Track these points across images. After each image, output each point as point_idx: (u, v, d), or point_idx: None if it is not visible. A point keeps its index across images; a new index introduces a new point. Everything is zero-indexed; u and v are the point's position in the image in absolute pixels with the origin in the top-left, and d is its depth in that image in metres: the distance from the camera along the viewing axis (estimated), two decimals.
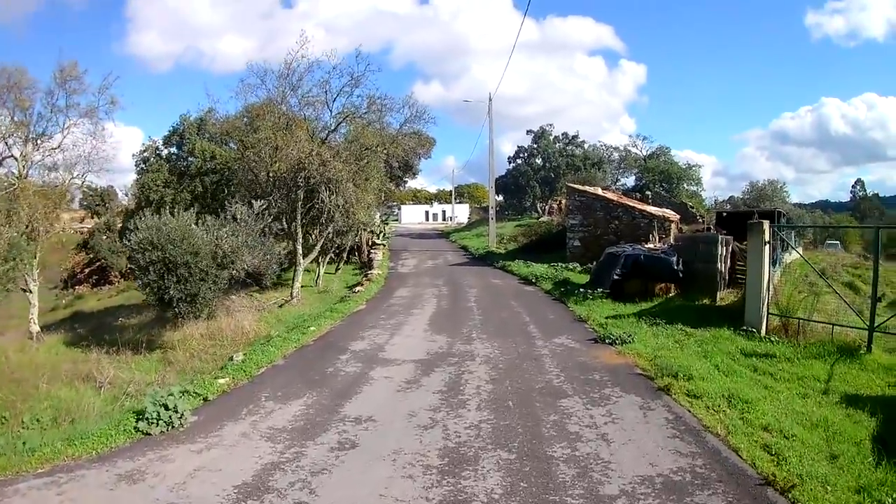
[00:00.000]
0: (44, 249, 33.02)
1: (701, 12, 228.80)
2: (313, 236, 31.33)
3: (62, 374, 17.95)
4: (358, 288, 28.95)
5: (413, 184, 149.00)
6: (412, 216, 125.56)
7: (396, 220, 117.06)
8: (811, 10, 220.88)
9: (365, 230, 42.13)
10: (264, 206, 24.65)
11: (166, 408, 9.80)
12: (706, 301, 19.40)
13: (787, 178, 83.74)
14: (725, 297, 20.34)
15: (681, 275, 21.13)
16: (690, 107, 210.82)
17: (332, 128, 29.07)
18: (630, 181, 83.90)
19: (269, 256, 23.60)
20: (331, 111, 28.95)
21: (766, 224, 16.10)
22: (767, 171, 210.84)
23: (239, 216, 23.03)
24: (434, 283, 29.56)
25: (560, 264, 32.71)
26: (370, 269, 36.82)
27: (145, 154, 42.89)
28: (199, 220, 21.80)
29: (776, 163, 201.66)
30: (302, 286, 33.08)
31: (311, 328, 18.54)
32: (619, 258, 22.09)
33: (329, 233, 31.13)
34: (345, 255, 41.31)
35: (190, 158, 39.23)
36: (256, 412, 10.41)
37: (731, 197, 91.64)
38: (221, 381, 12.42)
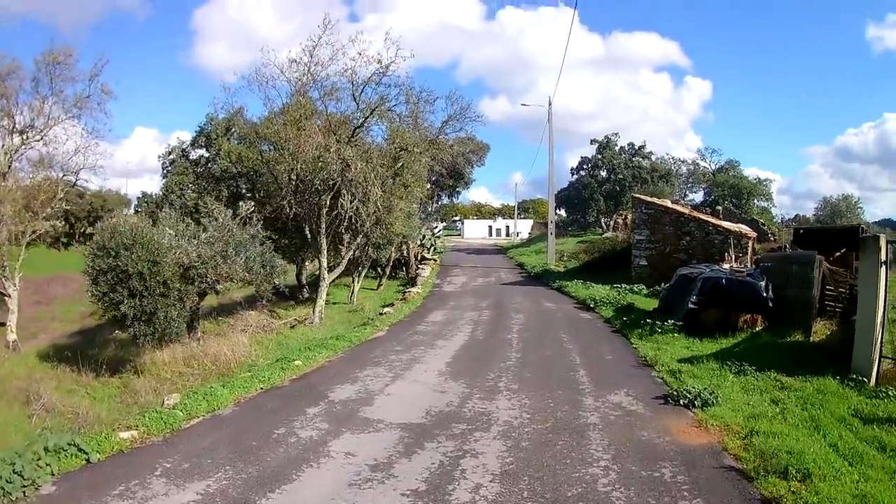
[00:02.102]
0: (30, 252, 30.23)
1: (763, 29, 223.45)
2: (344, 248, 27.60)
3: (9, 393, 16.52)
4: (387, 309, 25.15)
5: (477, 198, 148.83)
6: (475, 231, 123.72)
7: (459, 235, 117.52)
8: (872, 23, 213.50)
9: (410, 243, 38.80)
10: (251, 210, 21.08)
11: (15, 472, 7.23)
12: (799, 336, 15.82)
13: (832, 200, 78.96)
14: (818, 330, 16.50)
15: (770, 303, 16.95)
16: (755, 123, 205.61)
17: (359, 123, 25.12)
18: (698, 196, 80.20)
19: (261, 269, 19.85)
20: (357, 104, 25.11)
21: (884, 239, 12.13)
22: (831, 188, 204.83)
23: (221, 218, 19.32)
24: (477, 306, 25.53)
25: (624, 286, 28.65)
26: (412, 287, 33.49)
27: (171, 156, 40.01)
28: (187, 225, 18.43)
29: (840, 180, 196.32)
30: (335, 303, 30.25)
31: (297, 362, 14.88)
32: (695, 282, 17.80)
33: (358, 244, 27.51)
34: (387, 269, 38.26)
35: (216, 161, 36.06)
36: (131, 496, 7.23)
37: (796, 215, 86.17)
38: (125, 434, 9.26)
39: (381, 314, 23.98)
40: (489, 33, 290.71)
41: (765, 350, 14.54)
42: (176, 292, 17.18)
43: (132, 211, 71.59)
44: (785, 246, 32.42)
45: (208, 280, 18.56)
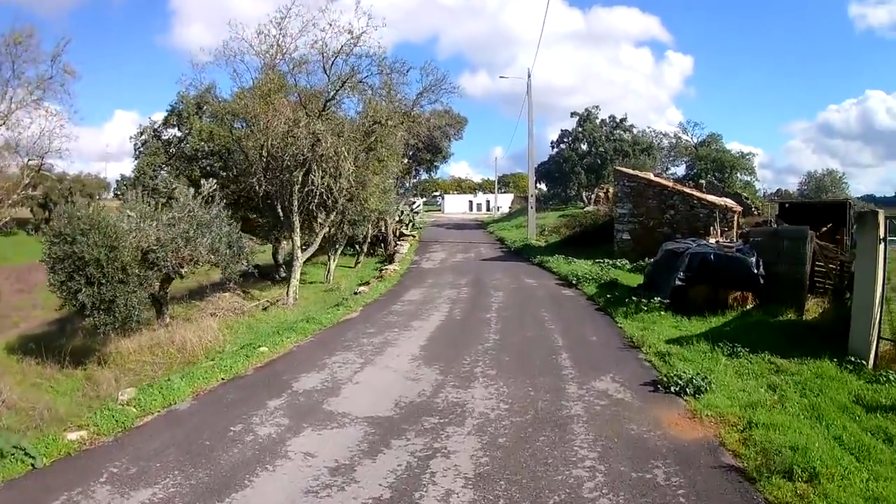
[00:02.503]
0: None
1: (745, 4, 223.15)
2: (318, 226, 26.66)
3: None
4: (362, 288, 24.27)
5: (458, 173, 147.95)
6: (456, 206, 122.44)
7: (439, 210, 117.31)
8: (855, 1, 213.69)
9: (388, 219, 37.96)
10: (213, 188, 20.07)
11: None
12: (791, 315, 15.15)
13: (816, 174, 79.31)
14: (810, 308, 15.78)
15: (761, 280, 16.14)
16: (737, 99, 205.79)
17: (330, 96, 24.05)
18: (681, 170, 79.00)
19: (227, 251, 18.88)
20: (328, 77, 24.03)
21: (882, 215, 11.43)
22: (814, 163, 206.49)
23: (182, 199, 18.31)
24: (455, 283, 24.68)
25: (607, 260, 27.91)
26: (390, 264, 32.77)
27: (143, 137, 38.72)
28: (154, 208, 17.47)
29: (822, 156, 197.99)
30: (311, 282, 29.46)
31: (262, 348, 13.99)
32: (682, 257, 16.98)
33: (332, 221, 26.65)
34: (364, 246, 37.49)
35: (188, 140, 34.87)
36: None
37: (778, 190, 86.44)
38: (74, 435, 8.45)
39: (355, 294, 23.13)
40: (469, 8, 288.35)
41: (757, 329, 13.84)
42: (136, 278, 16.17)
43: (111, 195, 70.38)
44: (770, 220, 32.07)
45: (169, 264, 17.52)
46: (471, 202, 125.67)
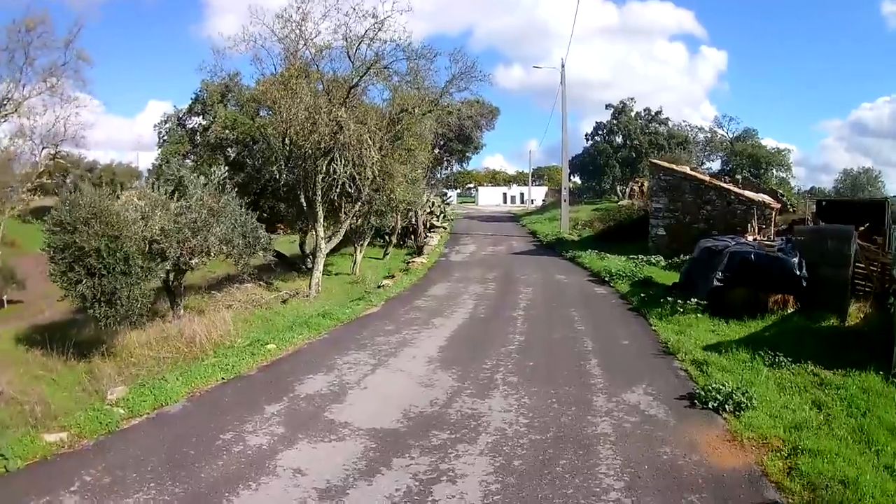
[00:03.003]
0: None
1: (779, 1, 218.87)
2: (343, 216, 25.90)
3: None
4: (387, 281, 23.49)
5: (493, 166, 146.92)
6: (489, 198, 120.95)
7: (473, 202, 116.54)
8: None
9: (418, 210, 37.16)
10: (224, 175, 19.32)
11: None
12: (833, 321, 14.03)
13: (853, 172, 78.14)
14: (851, 313, 14.64)
15: (804, 283, 14.98)
16: (770, 95, 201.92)
17: (354, 82, 23.15)
18: (715, 165, 77.43)
19: (240, 241, 18.12)
20: (352, 63, 23.10)
21: None
22: (846, 161, 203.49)
23: (191, 187, 17.57)
24: (483, 279, 23.75)
25: (641, 256, 26.76)
26: (418, 256, 32.20)
27: (167, 125, 38.15)
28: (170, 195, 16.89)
29: (855, 154, 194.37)
30: (337, 273, 28.85)
31: (270, 346, 13.26)
32: (721, 256, 15.90)
33: (357, 212, 25.85)
34: (393, 238, 36.66)
35: (212, 128, 34.28)
36: None
37: (812, 188, 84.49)
38: (53, 437, 7.96)
39: (379, 287, 22.40)
40: (503, 2, 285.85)
41: (798, 336, 12.76)
42: (139, 269, 15.43)
43: (143, 183, 70.74)
44: (806, 218, 30.86)
45: (175, 255, 16.80)
46: (505, 194, 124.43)
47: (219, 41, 43.46)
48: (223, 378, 10.92)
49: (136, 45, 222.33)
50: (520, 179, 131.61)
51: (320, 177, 22.82)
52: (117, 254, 14.86)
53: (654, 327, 14.55)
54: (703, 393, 9.27)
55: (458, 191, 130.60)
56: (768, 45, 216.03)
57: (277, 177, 23.48)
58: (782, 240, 18.12)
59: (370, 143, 22.27)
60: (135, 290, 15.26)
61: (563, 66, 43.68)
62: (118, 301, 14.92)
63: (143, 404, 9.29)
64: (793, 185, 71.38)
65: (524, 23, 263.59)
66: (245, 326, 17.50)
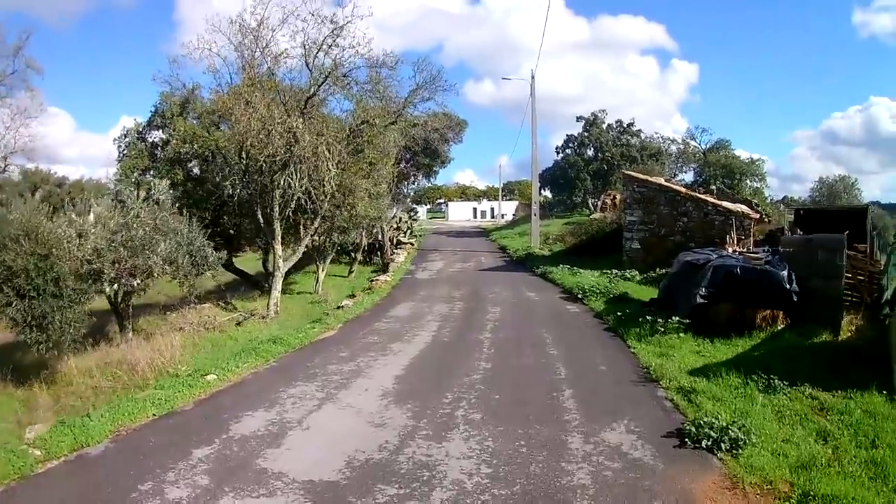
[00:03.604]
0: None
1: (750, 12, 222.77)
2: (302, 233, 24.61)
3: None
4: (346, 301, 22.19)
5: (463, 181, 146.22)
6: (459, 213, 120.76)
7: (443, 217, 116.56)
8: (858, 8, 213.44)
9: (385, 226, 36.05)
10: (166, 190, 18.04)
11: None
12: (826, 336, 13.20)
13: (828, 180, 78.89)
14: (843, 326, 13.87)
15: (795, 297, 13.96)
16: (742, 107, 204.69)
17: (312, 92, 21.93)
18: (688, 176, 77.18)
19: (184, 260, 16.80)
20: (310, 71, 21.93)
21: None
22: (818, 171, 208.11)
23: (128, 202, 16.23)
24: (449, 297, 22.49)
25: (615, 271, 25.77)
26: (384, 274, 30.83)
27: (127, 139, 36.47)
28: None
29: (827, 163, 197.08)
30: (300, 292, 27.84)
31: (210, 376, 11.98)
32: (704, 270, 14.80)
33: (317, 229, 24.68)
34: (358, 255, 35.52)
35: (170, 142, 32.85)
36: None
37: (785, 197, 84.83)
38: None
39: (339, 307, 21.07)
40: (473, 17, 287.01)
41: (790, 355, 11.74)
42: (71, 291, 14.08)
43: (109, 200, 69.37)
44: (784, 228, 30.20)
45: (109, 276, 15.43)
46: (475, 209, 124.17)
47: (175, 50, 41.77)
48: (154, 414, 9.76)
49: (109, 60, 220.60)
50: (490, 194, 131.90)
51: (278, 192, 21.54)
52: (47, 274, 13.58)
53: (633, 349, 13.31)
54: (693, 429, 8.07)
55: (428, 206, 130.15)
56: (739, 57, 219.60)
57: (231, 192, 22.10)
58: (767, 251, 17.12)
59: (327, 155, 21.04)
60: (67, 313, 14.01)
61: (532, 78, 42.89)
62: (49, 325, 13.63)
63: (62, 445, 8.34)
64: (766, 194, 71.38)
65: (495, 38, 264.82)
66: (193, 352, 16.20)
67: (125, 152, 35.25)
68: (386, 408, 9.75)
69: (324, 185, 21.68)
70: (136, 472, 7.31)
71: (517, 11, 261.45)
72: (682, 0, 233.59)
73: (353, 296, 24.23)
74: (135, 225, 16.13)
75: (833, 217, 23.22)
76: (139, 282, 16.50)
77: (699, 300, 14.24)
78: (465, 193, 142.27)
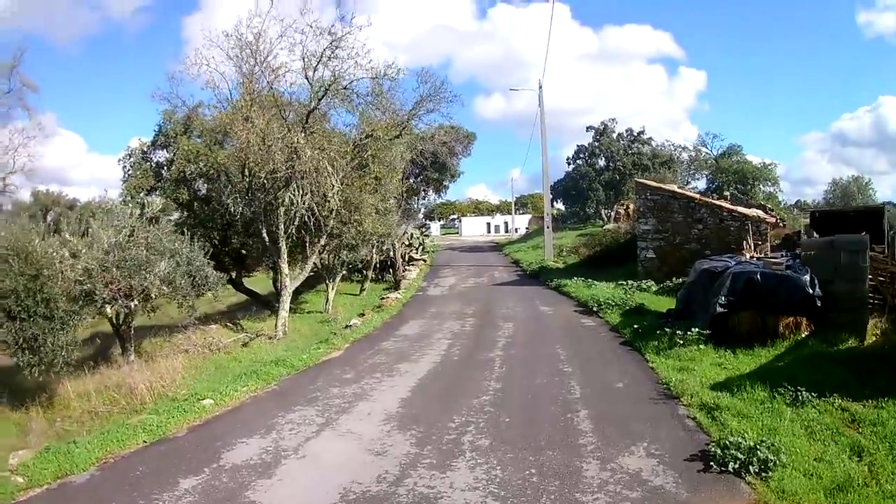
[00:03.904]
0: None
1: (755, 17, 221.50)
2: (309, 251, 24.04)
3: None
4: (355, 321, 21.60)
5: (476, 195, 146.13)
6: (473, 228, 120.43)
7: (457, 233, 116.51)
8: (862, 8, 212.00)
9: (396, 243, 35.52)
10: (160, 207, 17.56)
11: None
12: (852, 342, 12.43)
13: (842, 182, 77.89)
14: (868, 331, 13.08)
15: (818, 302, 13.23)
16: (750, 112, 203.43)
17: (312, 106, 21.47)
18: (701, 183, 75.32)
19: (182, 281, 16.27)
20: (311, 84, 21.44)
21: None
22: (828, 173, 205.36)
23: (121, 221, 15.76)
24: (461, 314, 21.83)
25: (630, 282, 24.89)
26: (396, 291, 30.46)
27: (132, 159, 36.09)
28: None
29: (837, 165, 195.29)
30: (310, 311, 27.51)
31: (206, 401, 11.55)
32: (723, 278, 14.08)
33: (324, 246, 24.20)
34: (369, 272, 34.99)
35: (175, 161, 32.46)
36: None
37: (798, 201, 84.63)
38: None
39: (347, 327, 20.53)
40: (481, 32, 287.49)
41: (816, 364, 11.14)
42: (62, 313, 13.59)
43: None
44: (800, 231, 29.48)
45: (101, 298, 14.89)
46: (488, 224, 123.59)
47: (174, 66, 41.35)
48: (145, 441, 9.41)
49: (118, 81, 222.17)
50: (503, 209, 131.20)
51: (282, 210, 21.02)
52: (37, 295, 13.13)
53: (651, 364, 12.61)
54: (718, 450, 7.42)
55: (442, 222, 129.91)
56: (746, 62, 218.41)
57: (232, 210, 21.63)
58: (786, 255, 16.47)
59: (330, 170, 20.49)
60: (59, 335, 13.51)
61: (540, 88, 42.16)
62: (41, 348, 13.21)
63: (46, 472, 8.19)
64: (780, 199, 70.41)
65: (503, 52, 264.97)
66: (195, 375, 15.70)
67: (130, 172, 34.95)
68: (388, 434, 9.15)
69: (328, 202, 21.14)
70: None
71: (524, 25, 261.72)
72: (687, 6, 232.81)
73: (362, 314, 23.64)
74: (128, 245, 15.57)
75: (849, 218, 22.60)
76: (136, 303, 15.94)
77: (719, 309, 13.53)
78: (478, 208, 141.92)
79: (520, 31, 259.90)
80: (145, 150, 34.95)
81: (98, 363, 17.13)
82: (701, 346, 12.99)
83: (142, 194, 31.23)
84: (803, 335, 13.32)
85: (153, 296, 16.20)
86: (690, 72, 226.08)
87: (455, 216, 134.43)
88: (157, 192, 31.71)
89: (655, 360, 12.72)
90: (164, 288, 16.07)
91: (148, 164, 34.15)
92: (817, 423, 8.43)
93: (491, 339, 16.76)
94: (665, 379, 11.22)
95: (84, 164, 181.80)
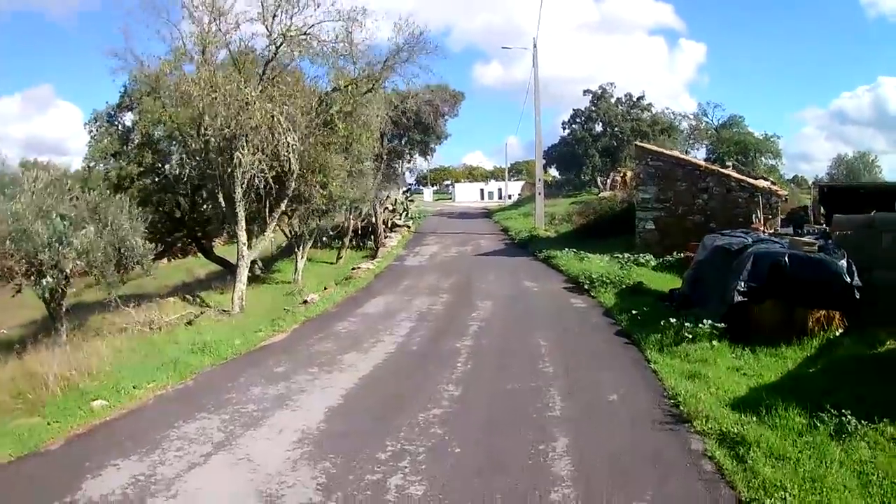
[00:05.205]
0: None
1: None
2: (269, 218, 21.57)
3: None
4: (312, 295, 19.15)
5: (472, 161, 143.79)
6: (467, 194, 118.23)
7: (450, 198, 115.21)
8: None
9: (378, 208, 33.46)
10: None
11: None
12: (893, 343, 10.14)
13: (847, 158, 76.42)
14: None
15: (857, 293, 10.94)
16: (749, 86, 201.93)
17: (270, 55, 19.15)
18: (701, 153, 73.12)
19: (101, 254, 13.93)
20: (269, 31, 18.99)
21: None
22: (826, 150, 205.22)
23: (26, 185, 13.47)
24: (436, 288, 19.56)
25: (627, 255, 22.54)
26: (370, 261, 28.22)
27: (98, 123, 33.39)
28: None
29: (835, 142, 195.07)
30: (280, 282, 25.36)
31: (97, 402, 9.32)
32: (742, 259, 11.68)
33: (289, 212, 22.31)
34: (346, 240, 32.80)
35: (137, 125, 29.96)
36: None
37: (795, 176, 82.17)
38: None
39: (305, 303, 18.17)
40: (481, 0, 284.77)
41: (856, 371, 8.95)
42: None
43: None
44: (806, 206, 28.76)
45: None
46: (482, 190, 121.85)
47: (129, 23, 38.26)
48: (10, 456, 7.47)
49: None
50: (498, 175, 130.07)
51: (239, 171, 18.49)
52: None
53: (653, 365, 10.08)
54: None
55: (435, 188, 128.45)
56: (747, 36, 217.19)
57: (178, 173, 19.25)
58: (815, 235, 14.08)
59: (284, 126, 18.00)
60: None
61: (534, 47, 39.85)
62: None
63: None
64: (781, 172, 68.45)
65: (502, 20, 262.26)
66: (121, 360, 13.21)
67: (96, 136, 32.24)
68: (294, 466, 6.71)
69: (283, 162, 18.73)
70: None
71: None
72: None
73: (325, 288, 21.23)
74: (28, 215, 13.09)
75: (859, 195, 21.06)
76: (49, 280, 13.56)
77: (737, 298, 11.12)
78: (471, 174, 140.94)
79: None
80: (111, 112, 32.34)
81: (34, 345, 14.75)
82: (714, 343, 10.61)
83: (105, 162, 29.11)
84: (836, 332, 11.09)
85: (69, 270, 13.80)
86: (690, 44, 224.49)
87: (449, 182, 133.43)
88: (122, 158, 29.34)
89: (658, 361, 10.22)
90: (78, 262, 13.67)
91: (114, 127, 31.60)
92: (872, 467, 6.18)
93: (462, 322, 14.36)
94: (671, 389, 8.73)
95: (82, 134, 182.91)
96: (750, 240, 12.99)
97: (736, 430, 6.98)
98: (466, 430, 7.60)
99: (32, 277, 13.73)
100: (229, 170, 18.82)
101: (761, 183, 25.73)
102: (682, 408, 7.97)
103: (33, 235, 12.91)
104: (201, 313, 18.36)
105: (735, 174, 26.68)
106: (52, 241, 13.38)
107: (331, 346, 12.37)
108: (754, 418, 7.34)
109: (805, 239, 13.05)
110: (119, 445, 7.50)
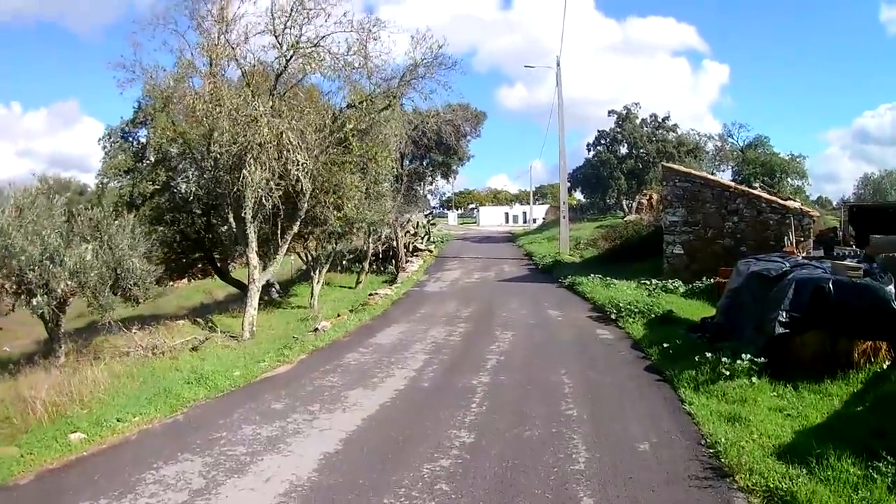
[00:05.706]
0: None
1: (778, 12, 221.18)
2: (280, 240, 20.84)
3: None
4: (323, 323, 18.30)
5: (495, 184, 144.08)
6: (491, 218, 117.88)
7: (475, 222, 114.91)
8: (885, 5, 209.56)
9: (397, 231, 32.80)
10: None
11: None
12: None
13: (873, 177, 75.92)
14: None
15: None
16: (772, 107, 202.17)
17: (280, 69, 18.54)
18: (727, 175, 71.92)
19: (94, 273, 13.31)
20: (279, 44, 18.40)
21: None
22: (851, 170, 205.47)
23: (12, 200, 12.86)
24: (454, 317, 18.65)
25: (654, 280, 21.70)
26: (389, 286, 27.32)
27: (112, 139, 33.00)
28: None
29: (859, 162, 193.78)
30: (297, 307, 24.63)
31: (75, 435, 8.75)
32: (782, 286, 10.71)
33: (297, 234, 21.23)
34: (365, 264, 32.02)
35: (150, 141, 29.48)
36: None
37: (819, 197, 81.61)
38: None
39: (315, 330, 17.41)
40: (505, 22, 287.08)
41: None
42: None
43: None
44: (835, 228, 28.61)
45: None
46: (507, 214, 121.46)
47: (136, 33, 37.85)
48: None
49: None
50: (522, 198, 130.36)
51: (249, 191, 17.77)
52: None
53: (688, 406, 9.09)
54: None
55: (460, 211, 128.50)
56: (769, 57, 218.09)
57: (184, 190, 18.61)
58: (857, 258, 13.11)
59: (293, 143, 17.29)
60: None
61: (558, 65, 39.18)
62: None
63: None
64: (807, 193, 67.41)
65: (527, 42, 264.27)
66: (117, 386, 12.46)
67: (109, 153, 31.78)
68: None
69: (295, 182, 18.01)
70: None
71: (548, 13, 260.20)
72: (711, 1, 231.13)
73: (339, 315, 20.42)
74: (11, 231, 12.38)
75: (890, 215, 21.34)
76: (39, 300, 12.86)
77: (779, 330, 10.14)
78: (496, 198, 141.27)
79: (544, 20, 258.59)
80: (125, 128, 31.88)
81: (31, 366, 14.27)
82: (754, 380, 9.60)
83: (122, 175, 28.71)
84: (884, 365, 10.12)
85: (60, 291, 13.11)
86: (713, 65, 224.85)
87: (474, 205, 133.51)
88: (136, 175, 28.91)
89: (694, 401, 9.22)
90: (70, 283, 12.96)
91: (128, 143, 31.17)
92: None
93: (480, 355, 13.42)
94: (710, 435, 7.74)
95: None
96: (787, 265, 11.98)
97: (785, 487, 6.09)
98: (477, 488, 6.64)
99: (23, 297, 13.06)
100: (237, 188, 18.16)
101: (792, 204, 24.78)
102: (722, 459, 7.01)
103: (18, 253, 12.17)
104: (204, 340, 17.63)
105: (765, 195, 25.71)
106: (42, 258, 12.65)
107: (336, 381, 11.50)
108: (804, 470, 6.43)
109: (848, 262, 12.06)
110: (91, 486, 6.92)
